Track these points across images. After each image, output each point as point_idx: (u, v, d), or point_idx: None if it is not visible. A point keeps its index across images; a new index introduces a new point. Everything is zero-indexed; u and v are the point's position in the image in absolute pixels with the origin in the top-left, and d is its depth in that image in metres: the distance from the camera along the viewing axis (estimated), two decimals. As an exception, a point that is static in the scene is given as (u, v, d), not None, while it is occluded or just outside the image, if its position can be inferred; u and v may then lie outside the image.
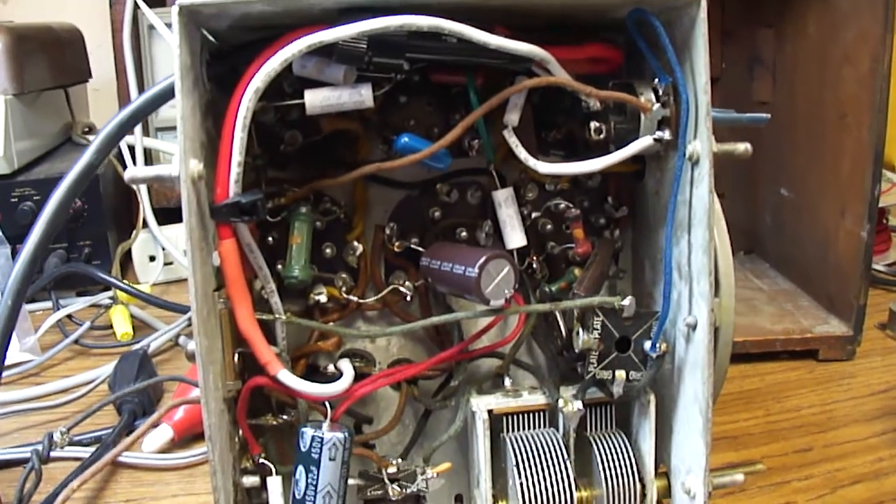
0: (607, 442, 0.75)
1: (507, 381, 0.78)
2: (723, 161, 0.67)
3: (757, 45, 1.52)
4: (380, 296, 0.76)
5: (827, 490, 0.96)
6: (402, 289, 0.76)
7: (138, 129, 1.66)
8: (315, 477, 0.68)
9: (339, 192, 0.76)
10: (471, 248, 0.75)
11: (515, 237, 0.74)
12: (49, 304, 1.50)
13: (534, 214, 0.77)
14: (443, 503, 0.83)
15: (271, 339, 0.69)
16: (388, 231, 0.76)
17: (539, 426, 0.76)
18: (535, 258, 0.77)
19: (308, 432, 0.68)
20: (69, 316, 1.45)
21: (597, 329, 0.71)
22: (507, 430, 0.75)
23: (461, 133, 0.67)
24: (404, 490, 0.72)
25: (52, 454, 1.00)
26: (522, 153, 0.70)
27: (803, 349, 1.29)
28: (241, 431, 0.71)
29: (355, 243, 0.75)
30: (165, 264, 1.67)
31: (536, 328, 0.78)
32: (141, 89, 1.66)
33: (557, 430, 0.75)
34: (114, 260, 1.58)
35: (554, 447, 0.72)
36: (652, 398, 0.73)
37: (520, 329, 0.75)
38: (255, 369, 0.67)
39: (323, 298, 0.75)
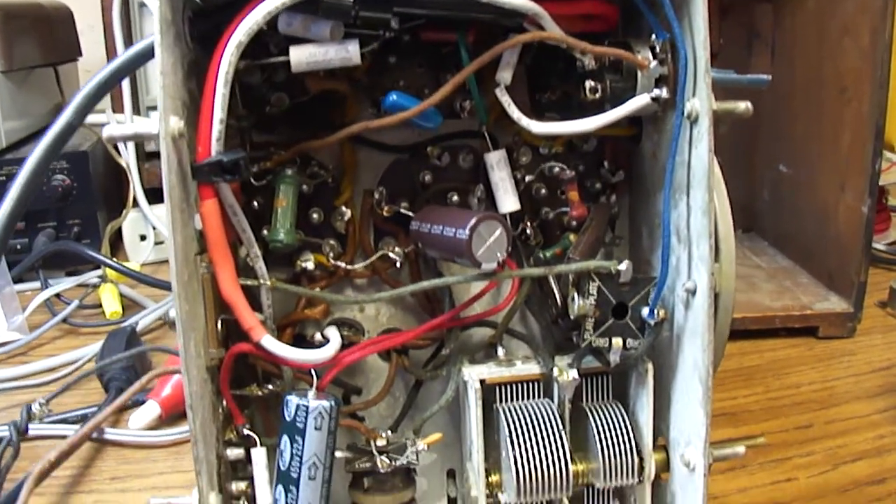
0: (604, 413, 0.72)
1: (500, 351, 0.76)
2: (721, 137, 0.65)
3: (755, 19, 1.50)
4: (368, 262, 0.74)
5: (829, 466, 0.94)
6: (391, 255, 0.74)
7: (128, 108, 1.64)
8: (300, 447, 0.65)
9: (326, 156, 0.74)
10: (462, 210, 0.73)
11: (508, 201, 0.72)
12: (37, 284, 1.48)
13: (527, 178, 0.74)
14: (434, 478, 0.81)
15: (256, 306, 0.66)
16: (377, 195, 0.73)
17: (533, 397, 0.74)
18: (528, 224, 0.75)
19: (293, 400, 0.66)
20: (57, 295, 1.44)
21: (593, 295, 0.68)
22: (500, 401, 0.73)
23: (452, 90, 0.64)
24: (394, 462, 0.70)
25: (37, 432, 0.98)
26: (515, 112, 0.67)
27: (803, 326, 1.27)
28: (224, 402, 0.68)
29: (343, 208, 0.73)
30: (156, 244, 1.65)
31: (530, 296, 0.76)
32: (134, 86, 1.65)
33: (552, 400, 0.72)
34: (103, 239, 1.56)
35: (549, 418, 0.70)
36: (650, 367, 0.70)
37: (513, 296, 0.73)
38: (240, 337, 0.65)
39: (310, 265, 0.73)
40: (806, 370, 1.18)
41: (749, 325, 1.24)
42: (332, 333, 0.70)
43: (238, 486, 0.70)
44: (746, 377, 1.15)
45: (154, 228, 1.60)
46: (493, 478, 0.72)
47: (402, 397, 0.79)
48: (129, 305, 1.43)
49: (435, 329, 0.73)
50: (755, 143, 1.51)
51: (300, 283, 0.74)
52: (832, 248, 1.31)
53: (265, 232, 0.69)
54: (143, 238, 1.63)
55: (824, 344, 1.25)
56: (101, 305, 1.41)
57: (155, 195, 1.63)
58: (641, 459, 0.72)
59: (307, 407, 0.65)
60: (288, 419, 0.66)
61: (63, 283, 1.45)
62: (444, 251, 0.67)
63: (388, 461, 0.70)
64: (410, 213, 0.73)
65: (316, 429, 0.65)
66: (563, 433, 0.70)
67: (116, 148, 1.63)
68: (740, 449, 0.71)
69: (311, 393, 0.66)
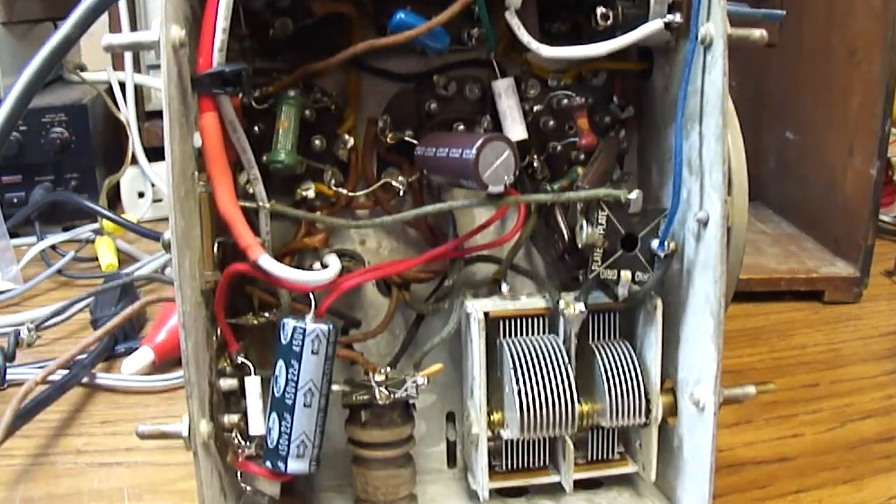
0: (611, 350, 0.70)
1: (504, 287, 0.72)
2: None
3: (763, -18, 1.47)
4: (371, 188, 0.72)
5: (836, 424, 0.92)
6: (394, 183, 0.72)
7: (129, 65, 1.63)
8: (296, 372, 0.63)
9: (330, 84, 0.71)
10: (468, 133, 0.71)
11: (516, 129, 0.70)
12: (34, 238, 1.45)
13: (536, 108, 0.72)
14: (434, 421, 0.79)
15: (255, 231, 0.64)
16: (381, 123, 0.71)
17: (538, 333, 0.72)
18: (535, 157, 0.73)
19: (290, 323, 0.62)
20: (53, 247, 1.41)
21: (602, 225, 0.66)
22: (504, 336, 0.71)
23: (461, 9, 0.62)
24: (393, 395, 0.68)
25: (25, 375, 0.96)
26: (525, 36, 0.65)
27: (808, 290, 1.25)
28: (218, 329, 0.66)
29: (346, 136, 0.71)
30: (154, 201, 1.62)
31: (536, 232, 0.74)
32: (134, 28, 1.62)
33: (558, 336, 0.70)
34: (101, 194, 1.53)
35: (554, 352, 0.68)
36: (658, 303, 0.68)
37: (518, 228, 0.71)
38: (237, 260, 0.63)
39: (310, 194, 0.71)
40: (811, 332, 1.16)
41: (754, 287, 1.22)
42: (332, 259, 0.68)
43: (230, 418, 0.68)
44: (752, 337, 1.12)
45: (153, 185, 1.57)
46: (495, 416, 0.71)
47: (402, 335, 0.77)
48: (126, 260, 1.41)
49: (438, 258, 0.71)
50: (760, 112, 1.49)
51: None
52: (839, 214, 1.29)
53: (265, 158, 0.67)
54: (141, 195, 1.60)
55: (830, 308, 1.23)
56: (96, 259, 1.39)
57: (154, 154, 1.59)
58: (648, 402, 0.70)
59: (304, 329, 0.63)
60: (284, 342, 0.63)
61: (59, 236, 1.42)
62: (450, 174, 0.65)
63: (386, 393, 0.68)
64: (415, 141, 0.71)
65: (313, 353, 0.63)
66: (569, 367, 0.68)
67: (115, 102, 1.59)
68: (751, 389, 0.69)
69: (309, 316, 0.64)
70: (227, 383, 0.67)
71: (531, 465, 0.72)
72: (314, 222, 0.71)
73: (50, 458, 0.85)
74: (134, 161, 1.60)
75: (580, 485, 0.73)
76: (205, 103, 0.60)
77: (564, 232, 0.71)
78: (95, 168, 1.57)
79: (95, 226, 1.45)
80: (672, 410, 0.71)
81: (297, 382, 0.63)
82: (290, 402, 0.62)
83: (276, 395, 0.63)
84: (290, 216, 0.68)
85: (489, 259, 0.75)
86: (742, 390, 0.69)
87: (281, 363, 0.63)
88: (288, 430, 0.62)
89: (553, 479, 0.72)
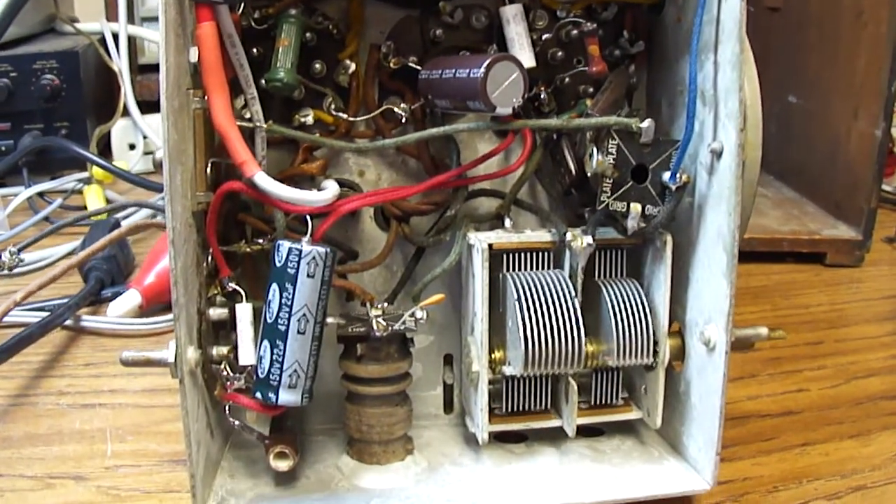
0: (618, 287, 0.68)
1: (507, 222, 0.70)
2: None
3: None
4: (373, 114, 0.69)
5: (841, 380, 0.90)
6: (396, 110, 0.69)
7: (123, 17, 1.60)
8: (290, 297, 0.59)
9: (332, 9, 0.68)
10: (475, 55, 0.68)
11: (524, 57, 0.66)
12: (22, 188, 1.42)
13: (544, 37, 0.69)
14: (430, 364, 0.77)
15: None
16: (384, 49, 0.68)
17: (543, 269, 0.69)
18: (542, 88, 0.70)
19: (285, 244, 0.59)
20: (41, 195, 1.38)
21: (612, 154, 0.63)
22: (508, 270, 0.68)
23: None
24: (390, 326, 0.65)
25: (11, 319, 0.94)
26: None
27: (810, 251, 1.22)
28: (209, 256, 0.63)
29: (347, 62, 0.68)
30: (145, 153, 1.58)
31: (541, 167, 0.71)
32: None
33: (563, 271, 0.67)
34: (91, 143, 1.50)
35: (561, 286, 0.65)
36: (668, 239, 0.65)
37: (524, 159, 0.68)
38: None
39: (309, 120, 0.68)
40: (814, 293, 1.14)
41: (756, 247, 1.20)
42: (330, 184, 0.65)
43: (219, 350, 0.65)
44: (754, 296, 1.10)
45: (144, 137, 1.54)
46: (496, 354, 0.68)
47: (399, 272, 0.74)
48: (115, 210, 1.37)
49: (441, 186, 0.68)
50: (762, 78, 1.46)
51: (297, 141, 0.69)
52: (841, 177, 1.27)
53: (263, 79, 0.64)
54: (132, 147, 1.57)
55: (832, 271, 1.21)
56: (85, 207, 1.36)
57: (147, 107, 1.57)
58: (656, 343, 0.67)
59: (300, 251, 0.59)
60: (278, 265, 0.60)
61: (47, 184, 1.39)
62: (456, 96, 0.62)
63: (384, 324, 0.65)
64: (418, 67, 0.68)
65: (309, 276, 0.60)
66: (576, 301, 0.65)
67: (108, 53, 1.56)
68: (763, 330, 0.67)
69: (306, 239, 0.61)
70: (217, 312, 0.65)
71: (532, 408, 0.69)
72: (311, 150, 0.69)
73: (30, 398, 0.83)
74: (125, 113, 1.57)
75: (581, 432, 0.71)
76: (202, 13, 0.58)
77: (571, 166, 0.69)
78: (86, 117, 1.54)
79: (85, 174, 1.41)
80: (678, 354, 0.69)
81: (290, 307, 0.60)
82: (283, 328, 0.59)
83: (269, 321, 0.60)
84: (287, 136, 0.65)
85: (492, 193, 0.72)
86: (754, 331, 0.66)
87: (274, 287, 0.59)
88: (280, 359, 0.59)
89: (555, 423, 0.69)
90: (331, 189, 0.62)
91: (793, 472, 0.74)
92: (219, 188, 0.61)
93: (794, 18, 1.35)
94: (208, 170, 0.62)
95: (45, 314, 0.93)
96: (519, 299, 0.64)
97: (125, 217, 1.29)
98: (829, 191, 1.30)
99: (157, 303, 1.01)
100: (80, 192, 1.41)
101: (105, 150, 1.56)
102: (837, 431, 0.81)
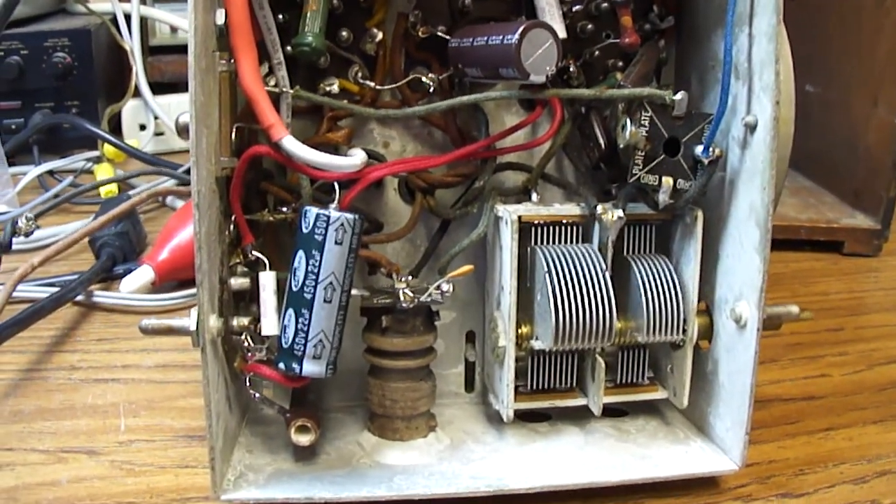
0: (647, 262, 0.66)
1: (534, 196, 0.69)
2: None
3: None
4: (400, 83, 0.67)
5: (863, 366, 0.89)
6: (424, 80, 0.67)
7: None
8: (317, 264, 0.58)
9: (359, -23, 0.66)
10: (508, 22, 0.66)
11: (555, 27, 0.65)
12: (32, 167, 1.41)
13: (574, 9, 0.68)
14: (452, 342, 0.76)
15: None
16: (412, 18, 0.66)
17: (571, 243, 0.67)
18: (571, 62, 0.68)
19: (312, 210, 0.57)
20: (51, 173, 1.36)
21: (644, 126, 0.62)
22: (535, 244, 0.67)
23: None
24: (417, 298, 0.63)
25: (21, 294, 0.93)
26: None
27: (828, 240, 1.21)
28: (231, 224, 0.62)
29: (374, 30, 0.66)
30: (156, 134, 1.57)
31: (569, 141, 0.70)
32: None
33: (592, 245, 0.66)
34: (102, 122, 1.49)
35: (591, 259, 0.64)
36: (699, 214, 0.64)
37: (553, 132, 0.67)
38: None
39: (334, 89, 0.66)
40: (832, 281, 1.12)
41: (773, 235, 1.18)
42: (356, 151, 0.63)
43: (240, 321, 0.64)
44: (772, 283, 1.06)
45: (156, 118, 1.52)
46: (523, 329, 0.66)
47: (423, 246, 0.73)
48: (126, 188, 1.35)
49: (470, 156, 0.67)
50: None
51: (322, 110, 0.68)
52: (860, 166, 1.25)
53: (290, 45, 0.63)
54: (142, 128, 1.55)
55: (849, 260, 1.20)
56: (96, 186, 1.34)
57: (158, 88, 1.55)
58: (685, 319, 0.66)
59: (328, 217, 0.58)
60: (305, 231, 0.58)
61: (57, 162, 1.38)
62: (488, 64, 0.61)
63: (411, 294, 0.64)
64: (447, 37, 0.67)
65: (336, 243, 0.58)
66: (606, 275, 0.64)
67: (119, 30, 1.55)
68: (794, 308, 0.66)
69: (333, 205, 0.60)
70: (238, 282, 0.64)
71: (557, 386, 0.68)
72: (336, 119, 0.67)
73: (42, 373, 0.82)
74: (137, 93, 1.56)
75: (605, 412, 0.69)
76: (231, -28, 0.56)
77: (601, 140, 0.67)
78: (97, 97, 1.53)
79: (95, 153, 1.40)
80: (706, 333, 0.68)
81: (317, 275, 0.58)
82: (308, 296, 0.58)
83: (294, 289, 0.58)
84: (314, 102, 0.64)
85: (519, 167, 0.71)
86: (784, 309, 0.65)
87: (301, 254, 0.58)
88: (305, 328, 0.58)
89: (580, 401, 0.68)
90: (359, 155, 0.61)
91: (818, 456, 0.72)
92: (244, 153, 0.59)
93: (813, 5, 1.34)
94: (233, 135, 0.60)
95: (56, 290, 0.92)
96: (549, 271, 0.63)
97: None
98: (847, 180, 1.28)
99: (170, 279, 0.99)
100: (90, 171, 1.39)
101: (116, 130, 1.54)
102: (861, 417, 0.79)
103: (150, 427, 0.74)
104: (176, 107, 1.53)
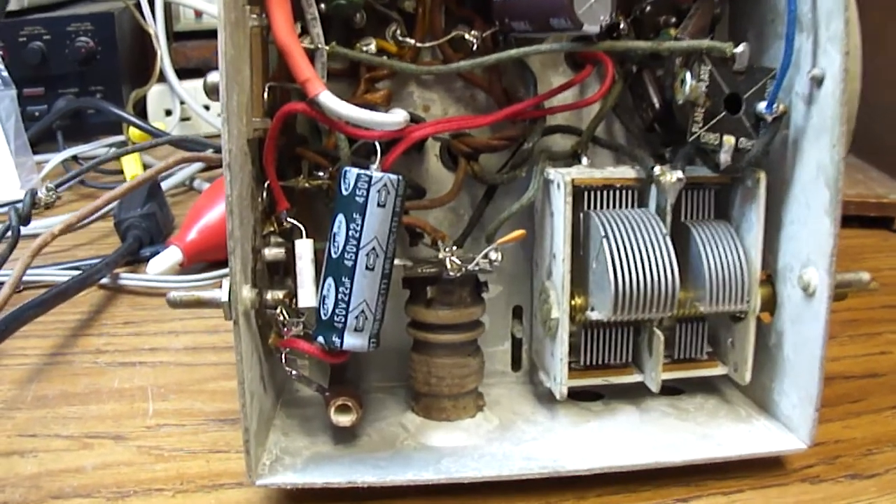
0: (708, 228, 0.62)
1: (584, 161, 0.65)
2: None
3: None
4: (441, 41, 0.63)
5: (924, 343, 0.84)
6: (467, 37, 0.63)
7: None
8: (358, 228, 0.54)
9: (398, -69, 0.62)
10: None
11: (605, -22, 0.61)
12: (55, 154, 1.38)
13: (625, -40, 0.64)
14: (497, 317, 0.72)
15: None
16: (452, -28, 0.62)
17: (625, 208, 0.63)
18: (622, 18, 0.64)
19: (353, 170, 0.54)
20: (75, 158, 1.33)
21: (704, 80, 0.58)
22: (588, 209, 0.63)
23: None
24: (464, 267, 0.59)
25: (41, 276, 0.92)
26: None
27: (878, 216, 1.16)
28: (265, 190, 0.58)
29: (414, -15, 0.63)
30: (182, 119, 1.54)
31: (620, 102, 0.66)
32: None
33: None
34: (126, 107, 1.46)
35: (650, 223, 0.60)
36: (762, 176, 0.60)
37: (605, 90, 0.63)
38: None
39: (371, 49, 0.62)
40: (883, 257, 1.08)
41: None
42: (397, 110, 0.59)
43: (274, 294, 0.60)
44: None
45: (182, 103, 1.49)
46: (577, 300, 0.62)
47: (467, 215, 0.69)
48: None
49: (517, 116, 0.63)
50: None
51: (358, 72, 0.64)
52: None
53: (323, 6, 0.59)
54: (168, 113, 1.52)
55: (899, 237, 1.15)
56: (121, 171, 1.31)
57: (182, 74, 1.52)
58: (749, 289, 0.62)
59: (370, 177, 0.54)
60: (345, 193, 0.54)
61: (82, 147, 1.34)
62: (538, 15, 0.56)
63: (458, 263, 0.60)
64: (491, -10, 0.63)
65: (379, 205, 0.54)
66: (668, 239, 0.60)
67: (143, 14, 1.52)
68: (864, 275, 0.62)
69: (375, 165, 0.56)
70: (272, 252, 0.60)
71: (612, 361, 0.64)
72: (374, 81, 0.63)
73: (67, 357, 0.79)
74: (161, 79, 1.52)
75: (660, 391, 0.65)
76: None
77: (654, 99, 0.63)
78: (121, 82, 1.51)
79: (121, 138, 1.37)
80: (768, 304, 0.64)
81: (359, 240, 0.54)
82: (349, 263, 0.54)
83: (334, 256, 0.55)
84: (351, 58, 0.60)
85: (567, 129, 0.67)
86: (855, 275, 0.61)
87: (341, 218, 0.54)
88: (346, 298, 0.54)
89: (636, 378, 0.65)
90: (401, 112, 0.57)
91: (886, 436, 0.68)
92: (278, 110, 0.55)
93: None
94: (265, 95, 0.56)
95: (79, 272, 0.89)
96: (606, 236, 0.59)
97: (165, 177, 1.23)
98: (894, 155, 1.24)
99: (198, 261, 0.96)
100: (116, 159, 1.35)
101: (141, 115, 1.51)
102: (927, 395, 0.74)
103: (180, 411, 0.71)
104: (203, 92, 1.50)
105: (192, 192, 1.23)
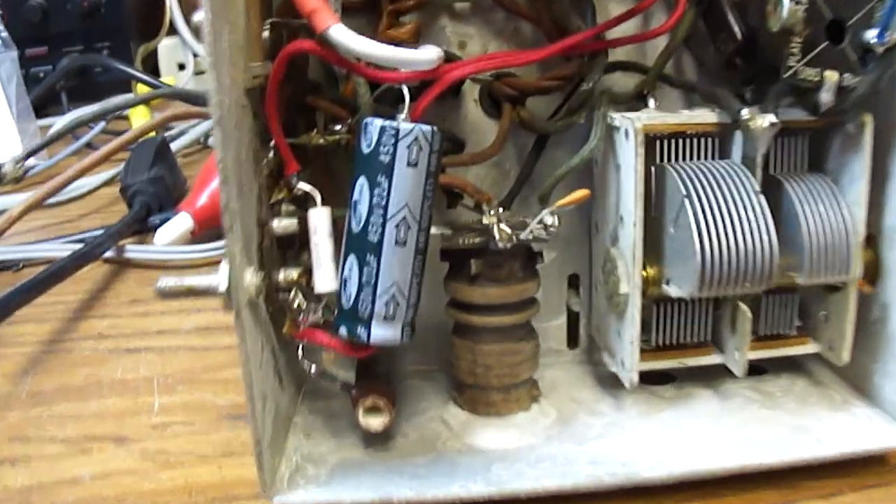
0: (806, 183, 0.53)
1: (652, 103, 0.56)
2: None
3: None
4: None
5: None
6: (511, -41, 0.54)
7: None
8: (384, 193, 0.44)
9: None
10: None
11: None
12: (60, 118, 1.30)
13: None
14: (552, 286, 0.62)
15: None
16: None
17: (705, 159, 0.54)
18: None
19: (376, 122, 0.44)
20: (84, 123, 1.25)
21: (802, 3, 0.48)
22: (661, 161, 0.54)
23: None
24: (515, 236, 0.50)
25: (46, 253, 0.85)
26: None
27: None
28: (272, 149, 0.49)
29: None
30: (196, 73, 1.46)
31: (692, 33, 0.56)
32: None
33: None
34: (135, 62, 1.38)
35: (740, 178, 0.51)
36: (869, 120, 0.51)
37: (677, 18, 0.53)
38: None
39: (395, -19, 0.53)
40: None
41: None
42: (429, 47, 0.49)
43: (287, 273, 0.51)
44: None
45: (195, 56, 1.41)
46: (648, 271, 0.53)
47: (514, 171, 0.60)
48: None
49: (574, 50, 0.53)
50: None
51: (380, 4, 0.55)
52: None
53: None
54: (181, 67, 1.44)
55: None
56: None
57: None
58: (852, 255, 0.53)
59: (397, 130, 0.44)
60: (367, 151, 0.45)
61: (88, 108, 1.27)
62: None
63: (508, 231, 0.50)
64: None
65: (410, 164, 0.44)
66: (762, 198, 0.50)
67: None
68: None
69: (402, 115, 0.46)
70: (283, 224, 0.51)
71: (688, 340, 0.56)
72: (398, 14, 0.54)
73: (66, 344, 0.73)
74: (172, 31, 1.45)
75: (740, 370, 0.57)
76: None
77: (735, 28, 0.53)
78: (128, 36, 1.44)
79: (130, 96, 1.29)
80: (871, 272, 0.55)
81: (385, 208, 0.45)
82: (375, 237, 0.44)
83: (355, 230, 0.45)
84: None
85: (631, 66, 0.58)
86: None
87: (362, 181, 0.45)
88: (372, 280, 0.45)
89: (716, 359, 0.56)
90: (434, 49, 0.47)
91: None
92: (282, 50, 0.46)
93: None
94: (265, 33, 0.47)
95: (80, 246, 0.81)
96: (689, 195, 0.49)
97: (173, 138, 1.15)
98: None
99: (211, 227, 0.87)
100: (126, 116, 1.28)
101: (152, 71, 1.45)
102: None
103: (189, 405, 0.64)
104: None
105: (207, 151, 1.16)
